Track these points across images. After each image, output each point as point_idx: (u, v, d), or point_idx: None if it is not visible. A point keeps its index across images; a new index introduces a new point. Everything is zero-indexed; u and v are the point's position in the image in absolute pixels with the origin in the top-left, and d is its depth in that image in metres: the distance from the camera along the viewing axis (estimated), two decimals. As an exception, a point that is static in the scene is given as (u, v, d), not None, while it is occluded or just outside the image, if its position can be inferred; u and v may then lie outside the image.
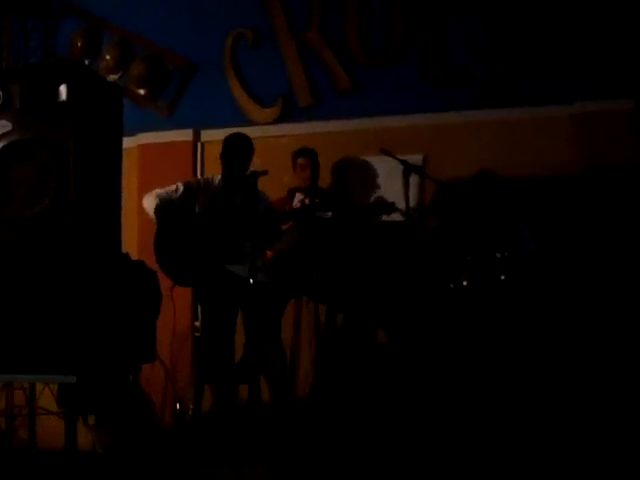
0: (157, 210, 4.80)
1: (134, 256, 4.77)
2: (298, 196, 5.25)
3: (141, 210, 5.15)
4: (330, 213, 5.12)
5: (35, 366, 3.62)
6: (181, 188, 4.88)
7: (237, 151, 4.90)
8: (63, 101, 3.70)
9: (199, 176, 5.49)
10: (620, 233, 4.93)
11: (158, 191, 4.87)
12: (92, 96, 3.77)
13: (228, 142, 4.99)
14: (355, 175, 5.55)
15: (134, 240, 5.27)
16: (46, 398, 5.03)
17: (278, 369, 4.77)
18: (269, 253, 4.98)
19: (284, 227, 4.94)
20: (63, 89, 3.71)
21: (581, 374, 4.24)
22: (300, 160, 5.35)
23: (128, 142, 5.70)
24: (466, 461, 3.60)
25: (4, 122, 3.79)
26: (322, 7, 5.83)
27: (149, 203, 4.85)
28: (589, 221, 4.99)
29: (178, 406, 5.01)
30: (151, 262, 4.74)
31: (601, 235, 4.94)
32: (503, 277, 4.36)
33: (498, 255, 4.36)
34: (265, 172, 4.58)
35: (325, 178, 5.51)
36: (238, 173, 4.82)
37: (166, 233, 4.77)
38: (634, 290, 4.70)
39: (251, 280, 4.31)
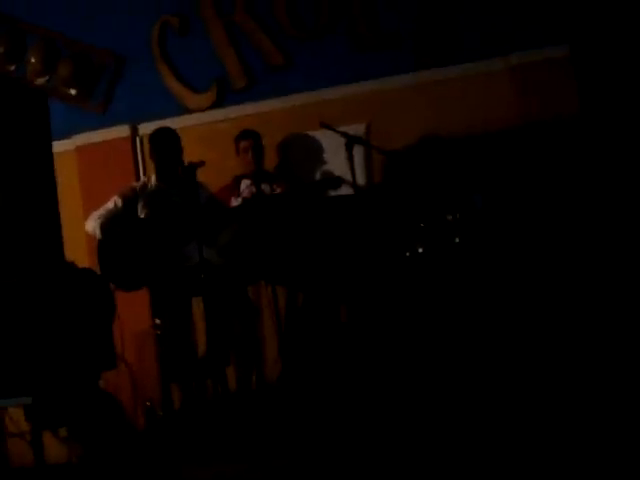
0: (103, 228, 4.74)
1: (84, 263, 4.74)
2: (244, 182, 5.14)
3: (87, 214, 5.06)
4: (279, 191, 5.06)
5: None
6: (119, 201, 4.84)
7: (163, 147, 4.81)
8: (-17, 112, 3.58)
9: (134, 182, 5.35)
10: (563, 182, 4.90)
11: (97, 212, 4.85)
12: (13, 104, 3.65)
13: (152, 140, 4.92)
14: (300, 152, 5.45)
15: (82, 246, 5.16)
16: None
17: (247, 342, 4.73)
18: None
19: None
20: (-18, 100, 3.59)
21: (544, 332, 4.22)
22: (241, 143, 5.23)
23: (64, 145, 5.67)
24: (432, 441, 3.55)
25: None
26: (247, -16, 5.71)
27: (92, 226, 4.82)
28: (534, 172, 4.96)
29: (148, 407, 4.95)
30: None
31: (546, 185, 4.92)
32: (457, 239, 4.33)
33: (449, 217, 4.32)
34: (202, 163, 4.49)
35: (272, 159, 5.41)
36: (171, 169, 4.73)
37: (108, 243, 4.71)
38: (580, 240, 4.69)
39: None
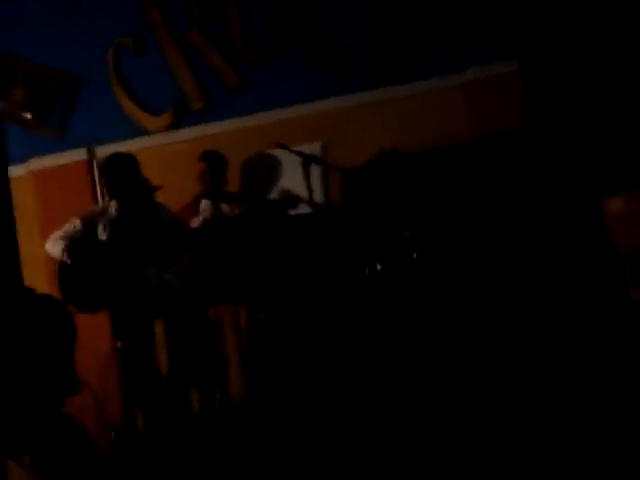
0: (68, 250, 4.71)
1: (43, 286, 4.71)
2: (204, 202, 5.15)
3: (45, 239, 5.02)
4: (237, 211, 5.10)
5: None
6: (78, 223, 4.80)
7: (116, 174, 4.81)
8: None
9: (94, 206, 5.33)
10: (515, 195, 4.99)
11: (57, 234, 4.80)
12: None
13: (104, 169, 4.94)
14: (260, 172, 5.49)
15: (41, 271, 5.13)
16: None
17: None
18: (175, 268, 4.91)
19: None
20: None
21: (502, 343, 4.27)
22: (200, 165, 5.27)
23: (20, 170, 5.65)
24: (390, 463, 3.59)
25: None
26: (201, 6, 5.72)
27: (53, 248, 4.78)
28: (488, 186, 5.04)
29: (113, 431, 4.93)
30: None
31: (500, 198, 5.00)
32: (415, 255, 4.38)
33: (407, 234, 4.37)
34: (159, 187, 4.53)
35: (231, 179, 5.44)
36: (129, 193, 4.72)
37: (69, 265, 4.69)
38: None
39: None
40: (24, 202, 5.38)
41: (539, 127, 4.98)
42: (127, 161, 4.81)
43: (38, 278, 5.00)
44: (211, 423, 4.64)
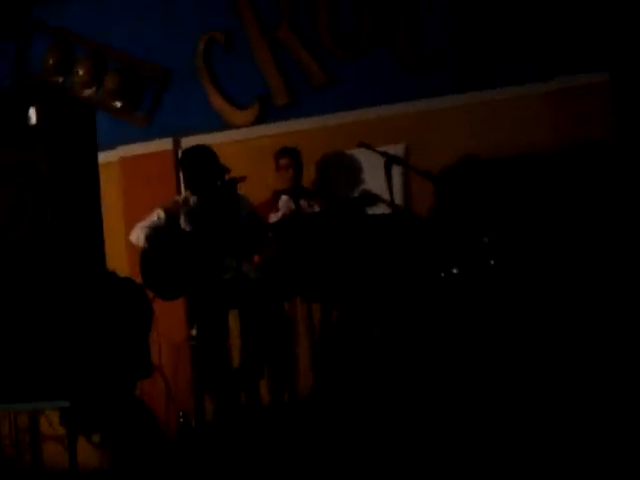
0: (149, 239, 4.81)
1: (124, 271, 4.82)
2: (283, 198, 5.21)
3: (128, 225, 5.14)
4: (317, 208, 5.13)
5: (29, 392, 3.62)
6: (162, 214, 4.89)
7: (193, 167, 4.88)
8: (33, 124, 3.70)
9: (176, 197, 5.39)
10: (599, 206, 4.92)
11: (142, 224, 4.89)
12: (62, 117, 3.77)
13: (182, 163, 5.05)
14: (339, 170, 5.52)
15: (123, 256, 5.25)
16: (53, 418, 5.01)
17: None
18: (257, 258, 4.96)
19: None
20: (32, 112, 3.71)
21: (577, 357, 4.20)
22: (282, 160, 5.33)
23: (108, 156, 5.77)
24: (465, 459, 3.57)
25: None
26: (291, 3, 5.77)
27: (137, 237, 4.87)
28: (571, 196, 4.96)
29: (181, 418, 5.00)
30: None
31: (582, 209, 4.92)
32: (492, 262, 4.34)
33: (485, 240, 4.34)
34: (243, 178, 4.57)
35: (309, 176, 5.48)
36: (208, 185, 4.79)
37: (152, 253, 4.79)
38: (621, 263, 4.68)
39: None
40: (111, 188, 5.52)
41: (627, 139, 4.89)
42: (204, 154, 4.85)
43: (120, 263, 5.12)
44: (279, 417, 4.67)
